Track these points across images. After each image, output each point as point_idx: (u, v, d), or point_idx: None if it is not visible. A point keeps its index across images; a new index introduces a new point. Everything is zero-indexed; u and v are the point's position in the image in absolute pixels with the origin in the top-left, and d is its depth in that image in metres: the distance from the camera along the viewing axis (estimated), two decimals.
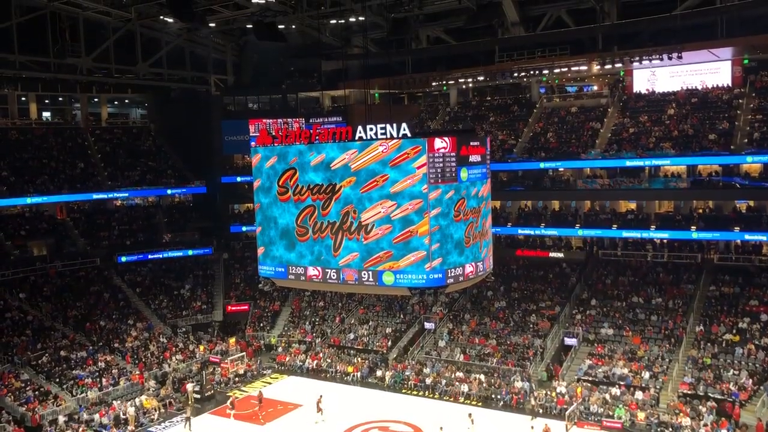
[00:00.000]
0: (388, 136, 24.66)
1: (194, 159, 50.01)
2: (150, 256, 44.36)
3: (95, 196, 44.98)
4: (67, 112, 51.64)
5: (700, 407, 28.41)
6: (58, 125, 49.83)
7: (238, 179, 48.28)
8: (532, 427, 27.66)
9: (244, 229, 48.11)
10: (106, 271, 43.10)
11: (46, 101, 50.76)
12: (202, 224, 48.32)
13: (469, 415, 28.81)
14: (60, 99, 51.24)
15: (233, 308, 43.99)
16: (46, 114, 51.05)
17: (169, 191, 48.34)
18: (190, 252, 45.84)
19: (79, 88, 49.15)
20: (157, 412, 32.10)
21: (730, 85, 40.93)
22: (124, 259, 43.40)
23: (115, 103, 55.05)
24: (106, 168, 47.22)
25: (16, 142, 46.08)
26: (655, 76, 43.40)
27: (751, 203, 36.96)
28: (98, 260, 42.90)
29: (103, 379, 33.89)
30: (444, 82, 47.49)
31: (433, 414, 30.40)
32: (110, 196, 46.15)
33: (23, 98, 48.47)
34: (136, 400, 32.52)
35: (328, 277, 27.99)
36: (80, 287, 41.37)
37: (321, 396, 31.09)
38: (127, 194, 47.06)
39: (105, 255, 43.20)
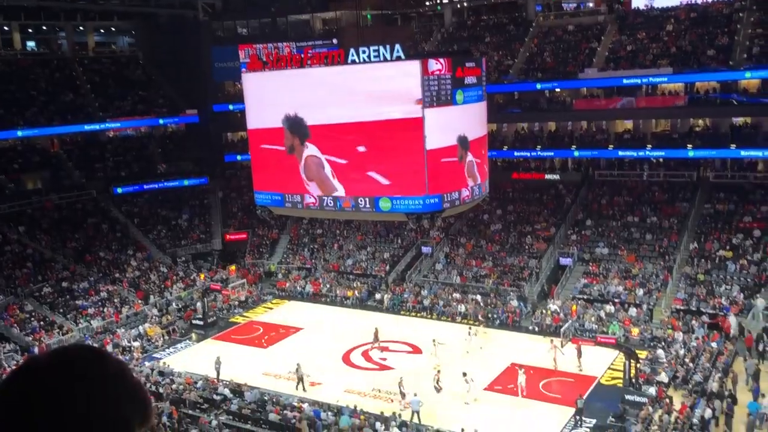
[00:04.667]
0: (381, 58, 24.22)
1: (185, 88, 49.15)
2: (146, 187, 44.29)
3: (87, 128, 44.43)
4: (52, 41, 50.39)
5: (693, 322, 29.09)
6: (44, 56, 48.74)
7: (231, 107, 47.60)
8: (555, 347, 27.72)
9: (238, 158, 47.79)
10: (103, 203, 43.12)
11: (30, 30, 49.45)
12: (197, 154, 48.01)
13: (469, 329, 29.48)
14: (44, 28, 49.92)
15: (232, 237, 44.28)
16: (31, 44, 49.84)
17: (161, 121, 47.77)
18: (186, 182, 45.75)
19: (63, 16, 47.80)
20: (161, 339, 32.79)
21: None
22: (120, 190, 43.34)
23: (102, 31, 53.68)
24: (96, 99, 46.47)
25: (2, 74, 45.15)
26: None
27: (748, 120, 36.74)
28: (94, 192, 42.84)
29: (106, 309, 34.47)
30: (438, 1, 46.24)
31: (431, 334, 31.11)
32: (102, 127, 45.60)
33: (6, 27, 47.20)
34: (140, 327, 33.18)
35: (325, 204, 28.14)
36: (78, 219, 41.48)
37: (377, 328, 30.59)
38: (119, 124, 46.50)
39: (100, 186, 43.11)
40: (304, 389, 25.97)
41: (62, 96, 45.37)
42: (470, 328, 29.85)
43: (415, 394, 23.51)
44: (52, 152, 44.24)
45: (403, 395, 24.37)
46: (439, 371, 25.56)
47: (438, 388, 24.99)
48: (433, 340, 28.15)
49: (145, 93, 49.00)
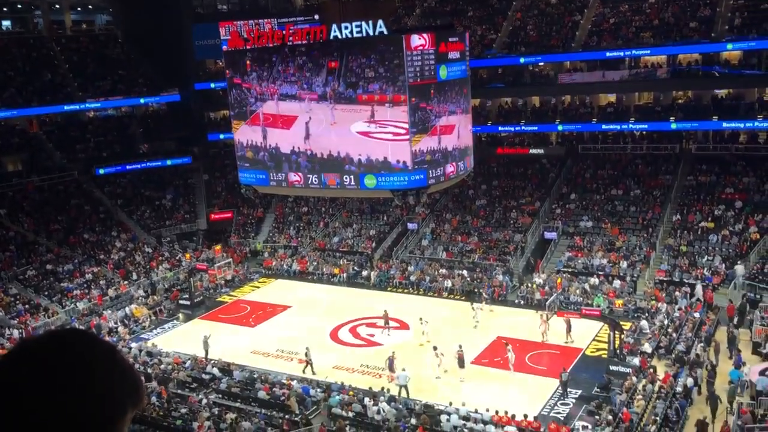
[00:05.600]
0: (364, 33, 24.05)
1: (166, 66, 48.46)
2: (128, 167, 43.88)
3: (67, 108, 43.80)
4: (28, 20, 49.45)
5: (675, 293, 29.48)
6: (20, 35, 47.83)
7: (212, 85, 47.07)
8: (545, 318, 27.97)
9: (221, 136, 47.39)
10: (85, 184, 42.70)
11: (5, 9, 48.44)
12: (179, 133, 47.55)
13: (472, 306, 29.60)
14: (19, 6, 48.91)
15: (217, 216, 44.08)
16: (6, 23, 48.87)
17: (142, 100, 47.19)
18: (169, 162, 45.37)
19: None
20: (148, 319, 32.73)
21: None
22: (102, 171, 42.90)
23: (79, 9, 52.69)
24: (75, 79, 45.75)
25: None
26: None
27: (730, 91, 36.94)
28: (76, 173, 42.40)
29: (92, 290, 34.30)
30: None
31: (418, 309, 31.32)
32: (82, 107, 44.99)
33: None
34: (126, 308, 33.09)
35: (309, 182, 28.18)
36: (60, 201, 41.09)
37: (386, 311, 29.95)
38: (99, 105, 45.86)
39: (82, 167, 42.66)
40: (313, 372, 25.52)
41: (40, 76, 44.64)
42: (473, 305, 29.84)
43: (404, 369, 23.70)
44: (31, 133, 43.62)
45: (392, 370, 24.52)
46: (436, 349, 25.25)
47: (439, 363, 24.83)
48: (420, 319, 28.28)
49: (125, 72, 48.31)
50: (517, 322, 29.44)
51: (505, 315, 30.50)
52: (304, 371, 25.72)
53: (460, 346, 24.78)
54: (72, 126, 45.47)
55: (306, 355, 25.78)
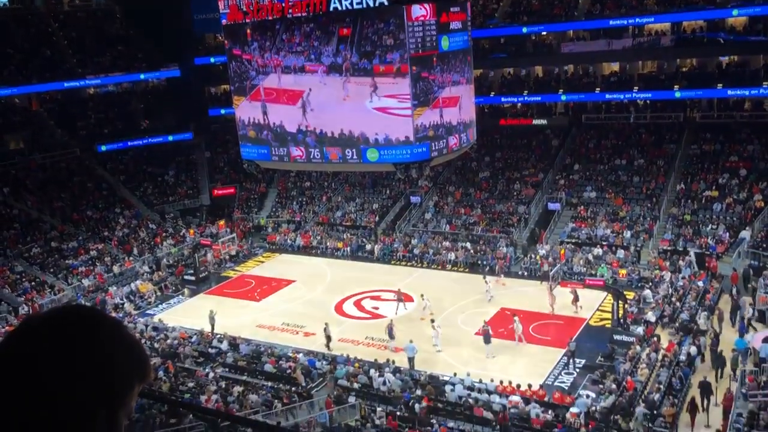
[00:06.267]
0: (364, 4, 23.77)
1: (165, 42, 48.01)
2: (130, 144, 43.80)
3: (66, 85, 43.55)
4: None
5: (680, 262, 29.50)
6: (17, 11, 47.35)
7: (212, 60, 46.67)
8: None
9: (222, 111, 47.13)
10: (87, 161, 42.65)
11: None
12: (180, 109, 47.32)
13: (485, 279, 29.55)
14: None
15: (220, 192, 44.07)
16: (3, 0, 48.37)
17: (142, 76, 46.92)
18: (170, 138, 45.18)
19: None
20: (154, 295, 32.92)
21: None
22: (104, 148, 42.81)
23: None
24: (74, 55, 45.42)
25: None
26: None
27: (735, 58, 36.54)
28: (78, 150, 42.33)
29: (97, 267, 34.47)
30: None
31: (421, 281, 31.43)
32: (82, 84, 44.72)
33: None
34: (132, 284, 33.28)
35: (312, 156, 27.93)
36: (63, 178, 41.10)
37: (399, 289, 29.60)
38: (99, 81, 45.54)
39: (84, 145, 42.57)
40: (328, 348, 25.51)
41: (39, 53, 44.32)
42: (485, 278, 29.68)
43: (411, 341, 23.82)
44: (32, 111, 43.48)
45: (392, 337, 24.83)
46: (433, 322, 25.49)
47: (437, 335, 25.10)
48: (422, 296, 28.31)
49: (124, 48, 47.94)
50: (521, 294, 29.53)
51: (509, 287, 30.57)
52: (327, 346, 25.59)
53: (485, 322, 24.72)
54: (72, 103, 45.27)
55: (325, 330, 25.78)
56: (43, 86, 42.69)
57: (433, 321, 25.31)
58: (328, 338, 25.78)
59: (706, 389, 19.42)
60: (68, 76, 43.56)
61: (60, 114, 44.22)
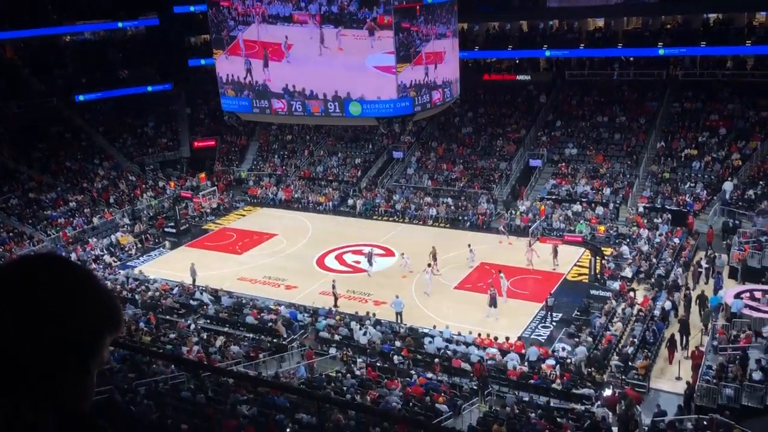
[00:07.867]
0: None
1: None
2: (108, 94, 42.94)
3: (42, 32, 42.36)
4: None
5: (657, 219, 29.89)
6: None
7: (192, 8, 45.50)
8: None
9: (203, 62, 46.17)
10: (65, 111, 41.85)
11: None
12: (159, 59, 46.32)
13: (470, 246, 29.24)
14: None
15: (200, 144, 43.59)
16: None
17: (120, 24, 45.70)
18: (149, 88, 44.28)
19: None
20: (134, 247, 32.81)
21: None
22: (81, 97, 41.91)
23: None
24: (50, 1, 44.06)
25: None
26: None
27: (720, 16, 36.40)
28: (54, 100, 41.46)
29: (76, 218, 34.20)
30: None
31: (402, 236, 31.59)
32: (59, 30, 43.53)
33: None
34: (112, 236, 33.11)
35: (293, 109, 27.56)
36: (40, 128, 40.32)
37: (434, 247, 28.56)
38: (76, 28, 44.42)
39: (61, 94, 41.67)
40: (336, 305, 25.13)
41: None
42: (470, 246, 29.03)
43: (397, 296, 23.98)
44: (7, 59, 42.38)
45: (371, 264, 27.03)
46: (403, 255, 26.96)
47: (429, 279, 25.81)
48: (402, 254, 28.48)
49: None
50: (500, 248, 29.83)
51: (489, 242, 30.83)
52: (335, 305, 25.23)
53: (492, 286, 24.43)
54: (48, 51, 44.16)
55: (333, 288, 25.55)
56: (17, 33, 41.55)
57: (429, 265, 26.17)
58: (335, 296, 25.36)
59: (684, 327, 20.13)
60: (44, 23, 42.35)
61: (36, 62, 43.13)
